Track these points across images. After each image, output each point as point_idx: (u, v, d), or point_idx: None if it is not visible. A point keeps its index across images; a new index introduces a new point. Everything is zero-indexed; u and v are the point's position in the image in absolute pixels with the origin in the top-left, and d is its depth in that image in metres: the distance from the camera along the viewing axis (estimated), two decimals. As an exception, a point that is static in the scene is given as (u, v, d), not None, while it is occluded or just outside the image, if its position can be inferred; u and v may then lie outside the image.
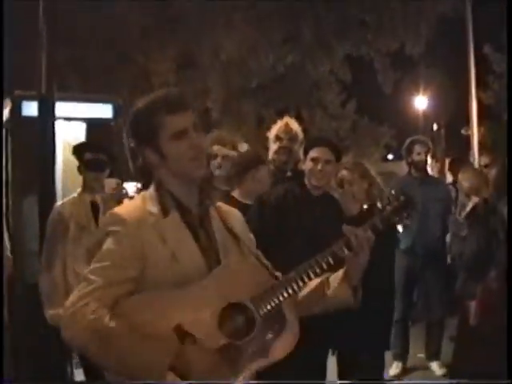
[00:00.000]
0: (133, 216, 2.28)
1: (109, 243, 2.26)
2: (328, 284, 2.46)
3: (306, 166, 4.20)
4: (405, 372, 6.36)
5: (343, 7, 13.42)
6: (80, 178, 4.80)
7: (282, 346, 2.25)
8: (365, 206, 4.41)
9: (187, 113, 2.31)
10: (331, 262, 2.38)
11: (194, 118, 2.33)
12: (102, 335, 2.12)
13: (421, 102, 28.00)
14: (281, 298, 2.28)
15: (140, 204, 2.34)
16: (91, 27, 12.36)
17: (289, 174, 4.86)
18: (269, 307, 2.25)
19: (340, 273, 2.45)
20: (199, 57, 13.98)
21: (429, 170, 7.12)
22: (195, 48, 13.75)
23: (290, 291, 2.30)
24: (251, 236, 2.58)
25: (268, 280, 2.33)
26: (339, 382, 4.45)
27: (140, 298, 2.22)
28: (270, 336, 2.25)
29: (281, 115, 5.83)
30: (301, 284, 2.33)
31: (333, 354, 4.43)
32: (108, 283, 2.19)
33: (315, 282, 2.45)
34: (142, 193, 2.41)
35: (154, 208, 2.32)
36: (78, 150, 4.78)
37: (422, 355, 6.65)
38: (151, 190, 2.38)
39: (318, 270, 2.37)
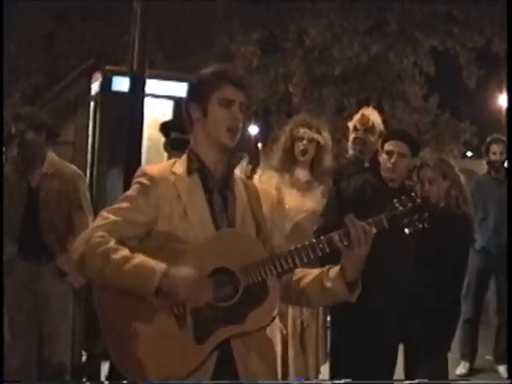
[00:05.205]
0: (157, 172, 2.52)
1: (131, 190, 2.52)
2: (327, 276, 2.49)
3: (381, 158, 4.19)
4: (471, 373, 6.29)
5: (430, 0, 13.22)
6: (162, 155, 4.90)
7: (257, 318, 2.37)
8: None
9: (241, 91, 2.53)
10: (327, 249, 2.40)
11: (244, 100, 2.53)
12: (103, 252, 2.33)
13: (504, 100, 27.22)
14: (268, 273, 2.38)
15: (169, 164, 2.60)
16: (179, 7, 12.52)
17: (366, 164, 4.85)
18: (255, 279, 2.36)
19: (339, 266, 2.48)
20: (283, 41, 14.00)
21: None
22: (280, 32, 13.77)
23: (279, 268, 2.39)
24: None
25: (261, 254, 2.43)
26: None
27: (145, 244, 2.44)
28: (248, 306, 2.36)
29: (362, 105, 5.82)
30: (291, 264, 2.41)
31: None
32: (119, 221, 2.43)
33: (316, 271, 2.53)
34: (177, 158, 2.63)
35: (179, 169, 2.54)
36: (164, 127, 4.88)
37: (490, 357, 6.56)
38: (184, 155, 2.60)
39: (311, 255, 2.41)
